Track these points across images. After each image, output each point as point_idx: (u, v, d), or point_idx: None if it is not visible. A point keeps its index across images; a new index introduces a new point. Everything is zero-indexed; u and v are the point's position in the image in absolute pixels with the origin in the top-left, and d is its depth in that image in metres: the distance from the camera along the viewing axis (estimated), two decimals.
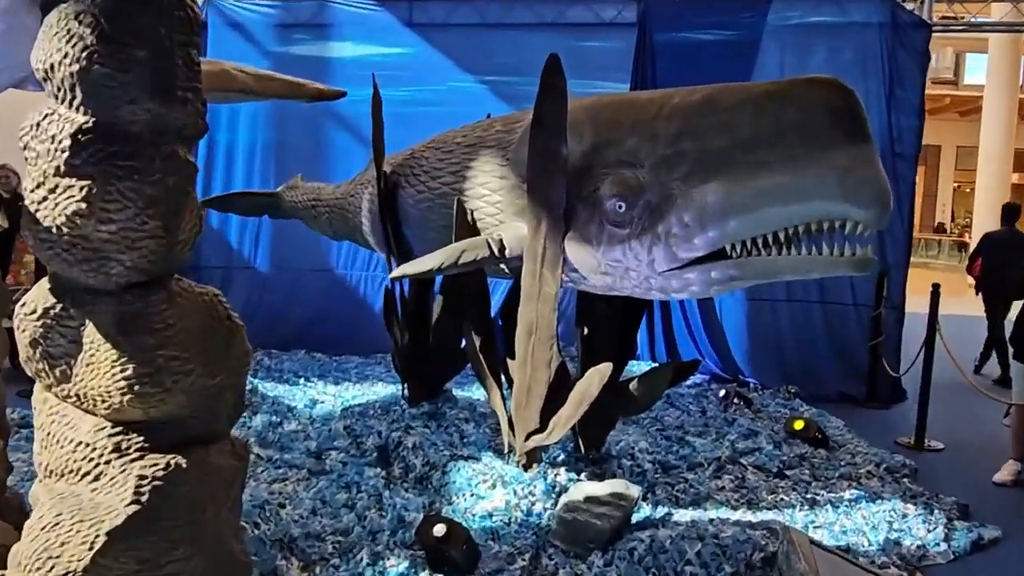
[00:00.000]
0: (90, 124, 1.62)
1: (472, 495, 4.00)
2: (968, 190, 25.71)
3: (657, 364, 6.88)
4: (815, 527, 4.09)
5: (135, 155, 1.65)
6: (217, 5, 7.87)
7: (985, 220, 17.84)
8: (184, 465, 1.79)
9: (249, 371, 2.03)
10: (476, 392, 5.77)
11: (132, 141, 1.65)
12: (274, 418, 5.32)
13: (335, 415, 5.39)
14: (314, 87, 5.00)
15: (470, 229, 4.29)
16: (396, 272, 4.34)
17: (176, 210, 1.72)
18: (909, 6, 7.05)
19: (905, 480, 4.85)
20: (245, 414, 5.38)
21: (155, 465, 1.75)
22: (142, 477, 1.73)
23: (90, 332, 1.71)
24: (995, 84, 18.16)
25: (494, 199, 4.21)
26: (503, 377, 4.46)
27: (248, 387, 5.84)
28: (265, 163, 7.92)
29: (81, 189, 1.61)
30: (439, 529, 3.42)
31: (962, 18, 8.33)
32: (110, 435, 1.75)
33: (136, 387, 1.69)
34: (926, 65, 6.96)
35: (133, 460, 1.75)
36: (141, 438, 1.77)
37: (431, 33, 7.66)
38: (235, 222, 8.01)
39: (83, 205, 1.61)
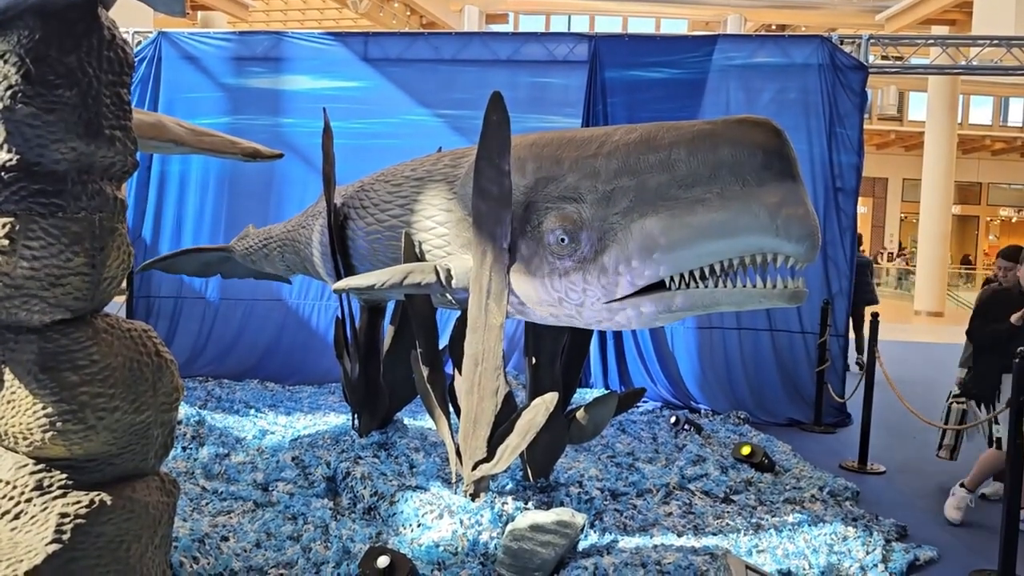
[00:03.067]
0: (14, 162, 1.64)
1: (419, 525, 3.99)
2: (913, 220, 26.57)
3: (608, 391, 6.95)
4: (759, 551, 4.15)
5: (60, 193, 1.67)
6: (171, 37, 7.88)
7: (929, 248, 18.51)
8: (108, 503, 1.79)
9: (179, 406, 2.04)
10: (427, 421, 5.77)
11: (57, 179, 1.67)
12: (221, 449, 5.26)
13: (284, 446, 5.34)
14: (250, 146, 5.05)
15: (417, 261, 4.33)
16: (340, 284, 4.36)
17: (102, 247, 1.74)
18: (847, 48, 7.33)
19: (847, 503, 4.96)
20: (192, 446, 5.32)
21: (78, 503, 1.75)
22: (64, 515, 1.72)
23: (11, 369, 1.71)
24: (935, 121, 18.99)
25: (441, 232, 4.27)
26: (451, 407, 4.48)
27: (196, 418, 5.79)
28: (218, 195, 7.89)
29: (3, 226, 1.63)
30: (382, 561, 3.41)
31: (899, 59, 8.69)
32: (32, 473, 1.75)
33: (58, 424, 1.70)
34: (864, 105, 7.25)
35: (55, 498, 1.74)
36: (64, 476, 1.77)
37: (387, 67, 7.75)
38: None
39: (5, 242, 1.63)
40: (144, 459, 1.93)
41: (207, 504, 4.32)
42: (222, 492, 4.49)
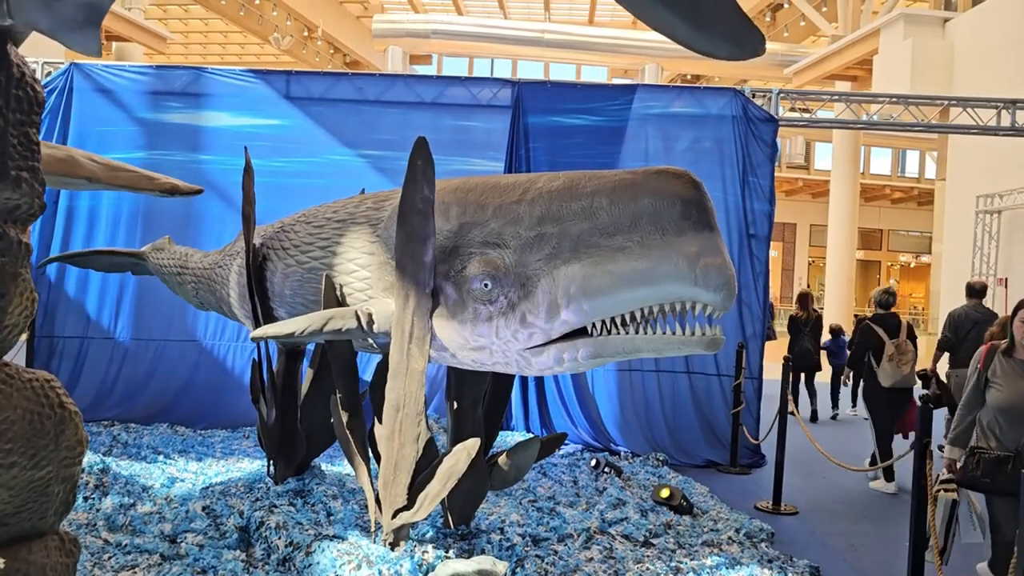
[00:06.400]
0: None
1: None
2: (821, 264, 27.87)
3: (530, 435, 6.95)
4: None
5: None
6: (84, 69, 7.64)
7: (835, 290, 19.44)
8: (1, 566, 1.67)
9: (82, 460, 1.93)
10: (346, 468, 5.64)
11: None
12: (126, 499, 4.99)
13: (194, 494, 5.12)
14: (168, 181, 4.89)
15: (338, 304, 4.27)
16: (258, 332, 4.24)
17: (3, 293, 1.65)
18: (759, 101, 7.71)
19: (763, 544, 5.06)
20: (94, 495, 5.04)
21: None
22: None
23: None
24: (839, 170, 20.15)
25: (363, 275, 4.23)
26: (371, 453, 4.39)
27: (100, 466, 5.50)
28: (130, 232, 7.60)
29: None
30: None
31: (806, 111, 9.20)
32: None
33: None
34: (775, 155, 7.63)
35: None
36: None
37: (309, 106, 7.70)
38: (94, 289, 7.62)
39: None
40: (43, 517, 1.81)
41: (110, 558, 4.09)
42: (126, 545, 4.26)
